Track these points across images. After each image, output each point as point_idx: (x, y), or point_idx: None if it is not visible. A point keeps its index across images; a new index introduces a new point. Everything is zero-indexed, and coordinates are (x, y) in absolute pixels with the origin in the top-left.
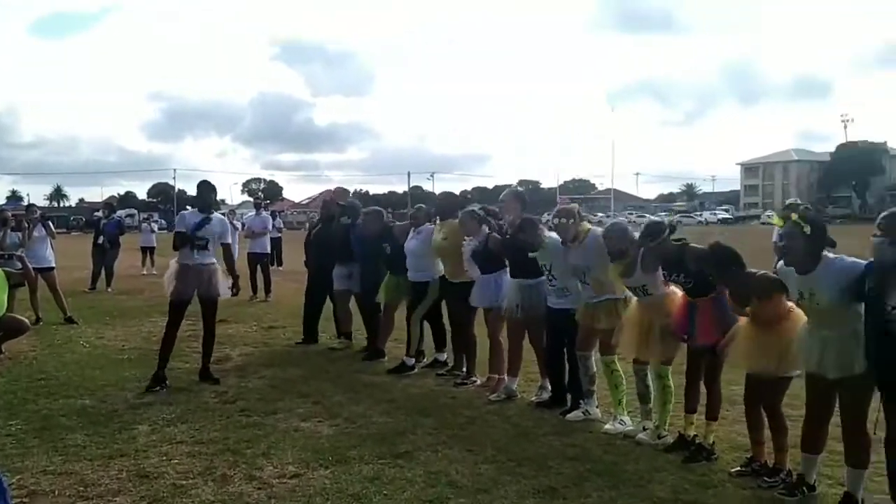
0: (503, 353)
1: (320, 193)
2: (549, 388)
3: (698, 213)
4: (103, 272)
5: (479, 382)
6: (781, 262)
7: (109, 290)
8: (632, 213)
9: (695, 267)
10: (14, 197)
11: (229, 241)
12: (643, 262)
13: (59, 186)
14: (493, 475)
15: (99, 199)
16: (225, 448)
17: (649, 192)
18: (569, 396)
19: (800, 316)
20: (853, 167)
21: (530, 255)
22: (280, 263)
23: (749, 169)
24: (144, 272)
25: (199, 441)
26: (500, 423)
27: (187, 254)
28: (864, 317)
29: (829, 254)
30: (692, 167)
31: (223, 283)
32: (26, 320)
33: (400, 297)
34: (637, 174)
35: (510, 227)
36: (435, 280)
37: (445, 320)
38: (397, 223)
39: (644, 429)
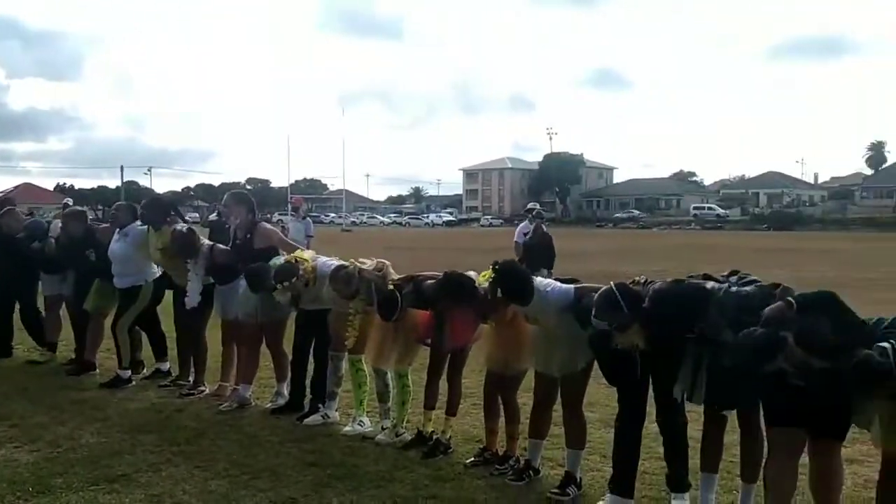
0: (233, 358)
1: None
2: (286, 393)
3: (425, 214)
4: None
5: (207, 392)
6: None
7: None
8: (363, 214)
9: (435, 302)
10: None
11: None
12: None
13: None
14: (225, 491)
15: None
16: None
17: (380, 193)
18: (307, 401)
19: None
20: (557, 176)
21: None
22: None
23: (470, 174)
24: None
25: None
26: (233, 433)
27: None
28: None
29: (539, 286)
30: (420, 171)
31: None
32: None
33: (110, 305)
34: (368, 176)
35: (239, 232)
36: (148, 284)
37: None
38: (102, 225)
39: (383, 429)
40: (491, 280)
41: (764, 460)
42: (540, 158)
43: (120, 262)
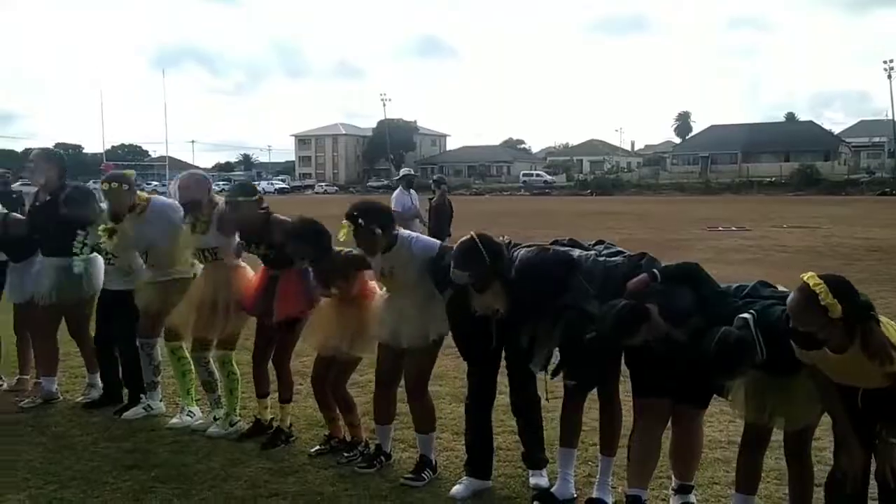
0: (31, 347)
1: None
2: (100, 384)
3: (256, 182)
4: None
5: (6, 386)
6: None
7: None
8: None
9: (280, 239)
10: None
11: None
12: (220, 223)
13: None
14: None
15: None
16: None
17: (206, 160)
18: (124, 392)
19: (378, 295)
20: (391, 142)
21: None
22: None
23: (302, 141)
24: None
25: None
26: (36, 435)
27: None
28: None
29: (404, 232)
30: (248, 137)
31: None
32: None
33: None
34: (193, 142)
35: (42, 194)
36: None
37: None
38: None
39: (215, 419)
40: (353, 224)
41: (629, 432)
42: (373, 125)
43: None
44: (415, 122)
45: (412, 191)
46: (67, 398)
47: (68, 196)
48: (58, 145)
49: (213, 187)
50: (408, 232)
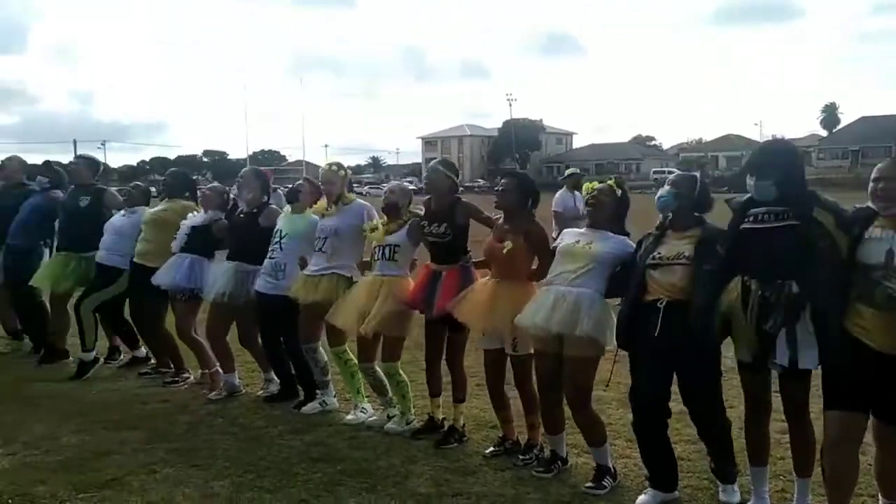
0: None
1: None
2: (277, 379)
3: (385, 184)
4: None
5: (192, 379)
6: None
7: None
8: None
9: (462, 220)
10: None
11: None
12: (409, 231)
13: None
14: (229, 494)
15: None
16: None
17: None
18: (300, 387)
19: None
20: (517, 141)
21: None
22: None
23: (429, 143)
24: None
25: None
26: (227, 426)
27: None
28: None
29: None
30: (376, 140)
31: None
32: None
33: (71, 283)
34: (326, 146)
35: (248, 206)
36: (128, 272)
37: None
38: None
39: (389, 417)
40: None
41: (819, 448)
42: (498, 125)
43: (115, 235)
44: (540, 120)
45: (577, 192)
46: (248, 392)
47: (270, 211)
48: (206, 152)
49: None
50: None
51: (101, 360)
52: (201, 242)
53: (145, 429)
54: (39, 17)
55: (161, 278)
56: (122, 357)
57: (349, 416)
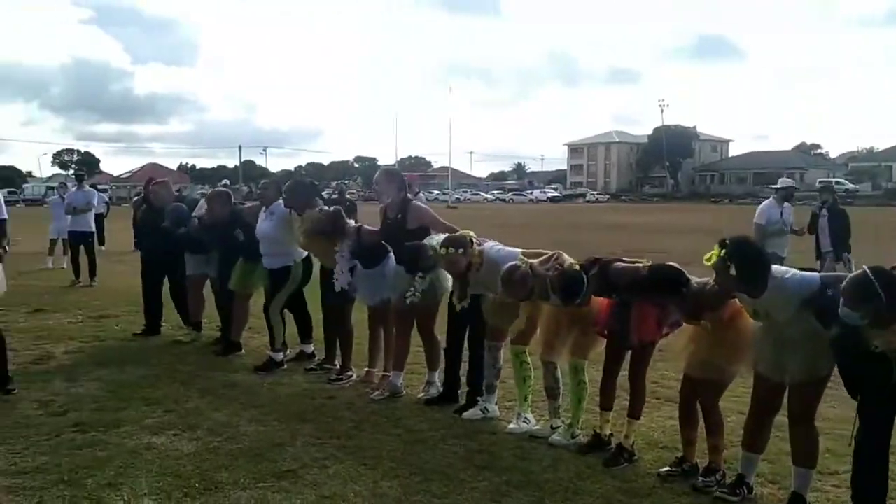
0: (381, 344)
1: (142, 167)
2: (438, 382)
3: (528, 191)
4: None
5: (355, 378)
6: None
7: None
8: (466, 191)
9: (627, 294)
10: None
11: (4, 216)
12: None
13: None
14: (397, 495)
15: None
16: (58, 479)
17: (482, 170)
18: (461, 392)
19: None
20: (668, 149)
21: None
22: (102, 243)
23: (575, 149)
24: None
25: (22, 471)
26: (390, 427)
27: None
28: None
29: (776, 272)
30: (521, 147)
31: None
32: None
33: (254, 285)
34: (471, 153)
35: (390, 211)
36: (297, 265)
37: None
38: (247, 203)
39: (553, 428)
40: (720, 261)
41: None
42: (646, 132)
43: (268, 241)
44: (694, 127)
45: (787, 204)
46: (409, 393)
47: (408, 256)
48: (357, 158)
49: None
50: (778, 267)
51: (286, 365)
52: (367, 258)
53: (314, 423)
54: (209, 31)
55: (367, 298)
56: (289, 351)
57: (511, 425)
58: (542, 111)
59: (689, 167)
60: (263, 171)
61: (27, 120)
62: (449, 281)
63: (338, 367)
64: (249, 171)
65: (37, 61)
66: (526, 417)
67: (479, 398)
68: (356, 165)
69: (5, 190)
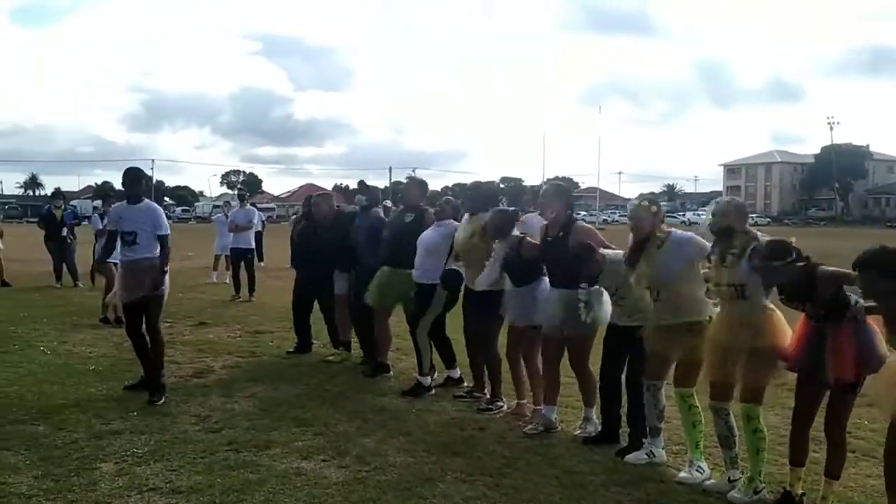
0: (538, 377)
1: (300, 187)
2: (595, 419)
3: (681, 213)
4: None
5: (505, 408)
6: None
7: (79, 285)
8: (614, 212)
9: (831, 293)
10: None
11: (166, 232)
12: (764, 276)
13: (34, 175)
14: None
15: (76, 189)
16: (210, 500)
17: (630, 191)
18: (622, 432)
19: None
20: (837, 169)
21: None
22: (261, 259)
23: (731, 170)
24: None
25: (177, 489)
26: (546, 466)
27: (120, 250)
28: None
29: None
30: (672, 168)
31: (161, 280)
32: None
33: (392, 299)
34: (620, 173)
35: (552, 228)
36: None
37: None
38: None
39: (730, 480)
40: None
41: None
42: (811, 151)
43: (426, 252)
44: (867, 146)
45: None
46: (563, 429)
47: (576, 254)
48: (502, 179)
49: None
50: None
51: (433, 390)
52: (519, 272)
53: (465, 457)
54: (362, 57)
55: (515, 317)
56: (436, 375)
57: (683, 474)
58: (695, 130)
59: (861, 189)
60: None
61: (200, 144)
62: (609, 310)
63: (487, 395)
64: (399, 191)
65: (211, 91)
66: (700, 466)
67: (643, 440)
68: (502, 186)
69: (180, 208)
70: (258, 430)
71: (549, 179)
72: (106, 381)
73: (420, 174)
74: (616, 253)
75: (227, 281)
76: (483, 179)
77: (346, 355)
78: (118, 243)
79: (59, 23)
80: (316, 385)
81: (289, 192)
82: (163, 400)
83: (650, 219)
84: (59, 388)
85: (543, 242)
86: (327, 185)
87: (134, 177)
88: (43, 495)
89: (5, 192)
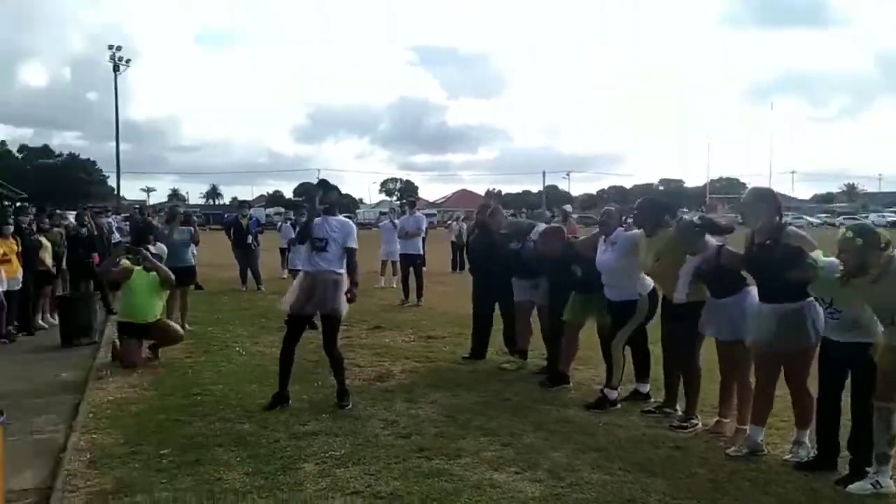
0: (748, 394)
1: (454, 193)
2: (808, 443)
3: (863, 214)
4: (249, 272)
5: (700, 426)
6: None
7: (261, 289)
8: (787, 215)
9: None
10: (175, 195)
11: (354, 245)
12: None
13: (214, 186)
14: None
15: (251, 198)
16: None
17: (804, 191)
18: (840, 458)
19: None
20: None
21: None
22: (424, 264)
23: None
24: (285, 275)
25: (378, 494)
26: (759, 493)
27: (307, 258)
28: None
29: None
30: (851, 166)
31: (343, 299)
32: (180, 329)
33: (586, 316)
34: (792, 173)
35: (757, 236)
36: (643, 298)
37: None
38: (580, 237)
39: None
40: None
41: None
42: None
43: (610, 273)
44: None
45: None
46: (769, 452)
47: (782, 259)
48: (662, 181)
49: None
50: None
51: (619, 405)
52: (719, 283)
53: (666, 478)
54: (514, 64)
55: (715, 331)
56: (619, 388)
57: None
58: (879, 125)
59: None
60: (566, 196)
61: (360, 153)
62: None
63: (680, 412)
64: (552, 195)
65: (372, 102)
66: None
67: (867, 468)
68: (661, 188)
69: (342, 215)
70: (446, 438)
71: (706, 183)
72: (296, 383)
73: (575, 178)
74: (831, 261)
75: (394, 285)
76: (640, 182)
77: (522, 363)
78: (304, 250)
79: (238, 44)
80: (495, 393)
81: (444, 197)
82: (350, 404)
83: (854, 252)
84: (258, 388)
85: (748, 252)
86: (480, 190)
87: (329, 188)
88: (255, 492)
89: (190, 202)
